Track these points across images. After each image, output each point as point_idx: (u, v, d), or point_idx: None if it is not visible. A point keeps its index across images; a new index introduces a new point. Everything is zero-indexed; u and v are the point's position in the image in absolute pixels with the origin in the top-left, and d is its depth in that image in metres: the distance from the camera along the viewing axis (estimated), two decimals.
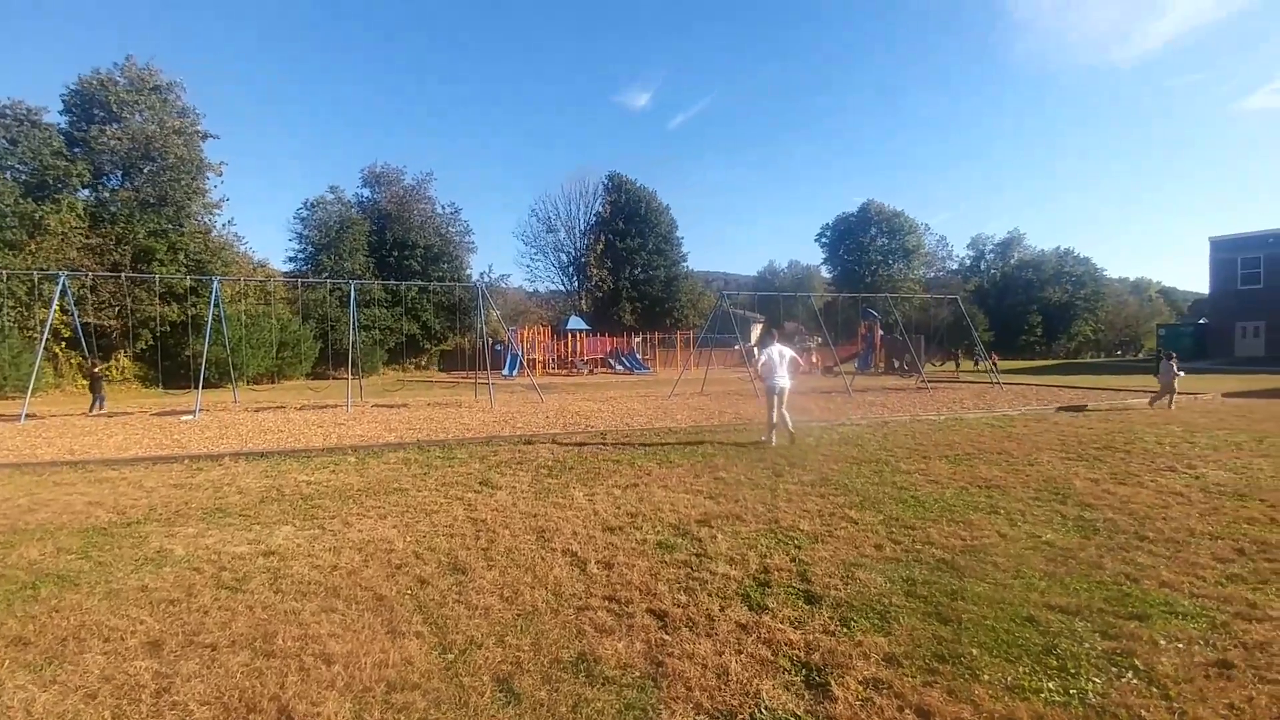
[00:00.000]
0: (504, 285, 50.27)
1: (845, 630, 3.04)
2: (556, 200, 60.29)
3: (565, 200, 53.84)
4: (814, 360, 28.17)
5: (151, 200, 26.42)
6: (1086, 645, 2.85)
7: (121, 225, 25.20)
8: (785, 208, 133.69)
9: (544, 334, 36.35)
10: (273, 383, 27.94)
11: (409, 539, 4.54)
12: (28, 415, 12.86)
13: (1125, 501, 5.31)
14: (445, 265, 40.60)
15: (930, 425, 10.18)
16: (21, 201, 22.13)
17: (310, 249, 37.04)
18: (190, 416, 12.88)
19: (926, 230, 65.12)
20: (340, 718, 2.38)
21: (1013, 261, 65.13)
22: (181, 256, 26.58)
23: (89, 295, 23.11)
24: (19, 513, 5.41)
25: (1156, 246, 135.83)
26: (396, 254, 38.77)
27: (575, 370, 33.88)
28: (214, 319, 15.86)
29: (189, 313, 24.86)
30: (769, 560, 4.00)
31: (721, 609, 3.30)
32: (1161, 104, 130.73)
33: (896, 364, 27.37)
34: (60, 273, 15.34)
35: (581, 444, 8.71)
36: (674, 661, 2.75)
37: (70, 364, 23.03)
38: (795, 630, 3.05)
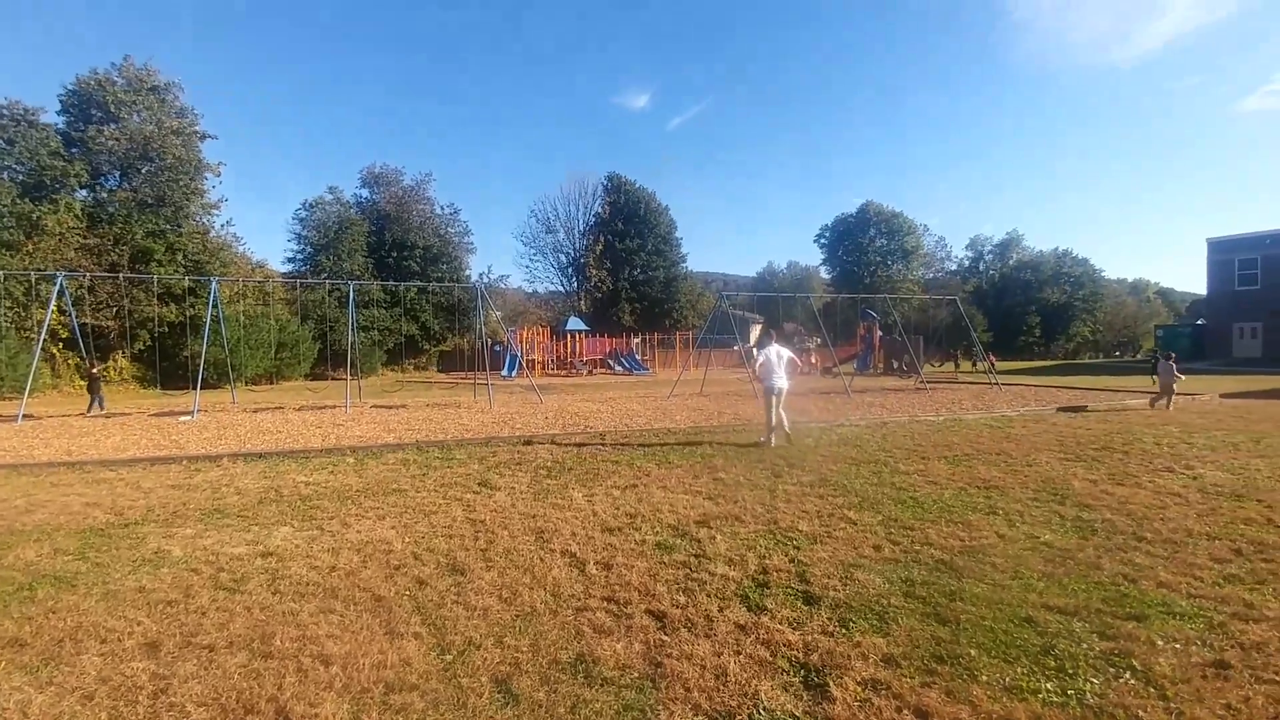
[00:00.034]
0: (503, 286, 50.29)
1: (844, 631, 3.04)
2: (555, 201, 60.32)
3: (564, 201, 53.92)
4: (813, 361, 28.19)
5: (149, 201, 26.38)
6: (1084, 646, 2.86)
7: (119, 226, 25.16)
8: (784, 208, 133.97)
9: (543, 335, 36.36)
10: (271, 383, 27.91)
11: (407, 540, 4.54)
12: (25, 416, 12.84)
13: (1123, 502, 5.32)
14: (444, 266, 40.58)
15: (929, 426, 10.20)
16: (19, 202, 22.09)
17: (309, 249, 37.00)
18: (188, 417, 12.87)
19: (925, 231, 65.26)
20: (338, 719, 2.37)
21: (1011, 262, 65.23)
22: (180, 257, 26.54)
23: (87, 296, 23.07)
24: (16, 514, 5.40)
25: (1154, 247, 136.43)
26: (395, 255, 38.74)
27: (574, 371, 33.88)
28: (212, 320, 15.84)
29: (187, 313, 24.82)
30: (768, 561, 4.00)
31: (720, 610, 3.30)
32: (1159, 105, 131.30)
33: (895, 365, 27.39)
34: (58, 273, 15.31)
35: (580, 445, 8.71)
36: (672, 662, 2.75)
37: (68, 365, 22.99)
38: (794, 631, 3.05)
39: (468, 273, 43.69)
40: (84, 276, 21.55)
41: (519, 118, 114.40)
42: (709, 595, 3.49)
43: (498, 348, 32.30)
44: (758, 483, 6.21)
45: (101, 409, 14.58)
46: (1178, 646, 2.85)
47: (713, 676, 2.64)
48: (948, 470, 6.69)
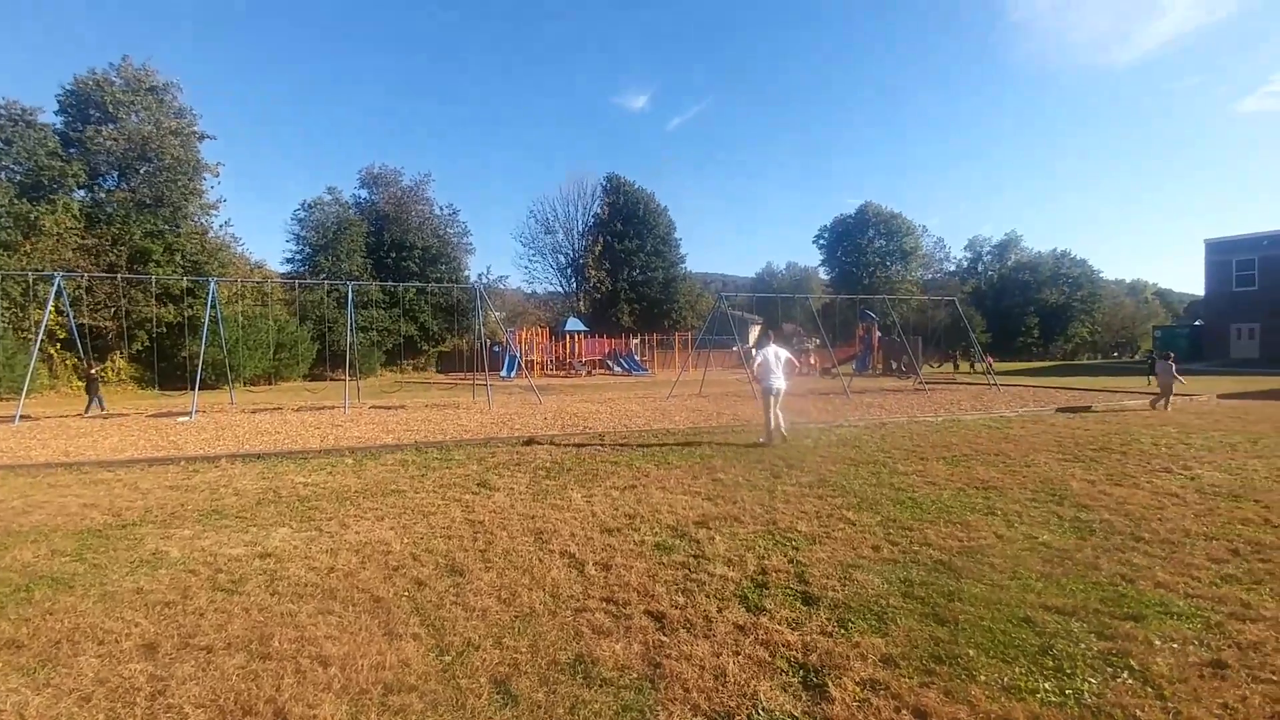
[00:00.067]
0: (502, 287, 50.21)
1: (842, 631, 3.04)
2: (555, 202, 60.27)
3: (563, 202, 53.83)
4: (812, 362, 28.21)
5: (148, 201, 26.34)
6: (1082, 646, 2.86)
7: (117, 226, 25.12)
8: (784, 209, 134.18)
9: (542, 335, 36.34)
10: (270, 384, 27.86)
11: (406, 541, 4.53)
12: (22, 417, 12.81)
13: (1121, 502, 5.33)
14: (443, 266, 40.53)
15: (928, 427, 10.21)
16: (16, 202, 22.04)
17: (307, 250, 36.94)
18: (186, 418, 12.84)
19: (924, 232, 65.36)
20: None
21: (1010, 263, 65.36)
22: (178, 257, 26.49)
23: (84, 296, 23.01)
24: (13, 515, 5.39)
25: (1153, 248, 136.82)
26: (394, 255, 38.69)
27: (573, 372, 33.86)
28: (211, 320, 15.81)
29: (185, 314, 24.76)
30: (767, 561, 4.00)
31: (719, 610, 3.30)
32: (1159, 105, 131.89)
33: (894, 365, 27.42)
34: (55, 274, 15.29)
35: (579, 445, 8.71)
36: (672, 663, 2.75)
37: (65, 365, 22.94)
38: (793, 631, 3.05)
39: (467, 273, 43.64)
40: (82, 277, 21.50)
41: (519, 118, 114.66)
42: (708, 596, 3.49)
43: (496, 348, 32.29)
44: (756, 483, 6.21)
45: (102, 409, 14.57)
46: (1175, 646, 2.85)
47: (712, 677, 2.64)
48: (946, 471, 6.69)
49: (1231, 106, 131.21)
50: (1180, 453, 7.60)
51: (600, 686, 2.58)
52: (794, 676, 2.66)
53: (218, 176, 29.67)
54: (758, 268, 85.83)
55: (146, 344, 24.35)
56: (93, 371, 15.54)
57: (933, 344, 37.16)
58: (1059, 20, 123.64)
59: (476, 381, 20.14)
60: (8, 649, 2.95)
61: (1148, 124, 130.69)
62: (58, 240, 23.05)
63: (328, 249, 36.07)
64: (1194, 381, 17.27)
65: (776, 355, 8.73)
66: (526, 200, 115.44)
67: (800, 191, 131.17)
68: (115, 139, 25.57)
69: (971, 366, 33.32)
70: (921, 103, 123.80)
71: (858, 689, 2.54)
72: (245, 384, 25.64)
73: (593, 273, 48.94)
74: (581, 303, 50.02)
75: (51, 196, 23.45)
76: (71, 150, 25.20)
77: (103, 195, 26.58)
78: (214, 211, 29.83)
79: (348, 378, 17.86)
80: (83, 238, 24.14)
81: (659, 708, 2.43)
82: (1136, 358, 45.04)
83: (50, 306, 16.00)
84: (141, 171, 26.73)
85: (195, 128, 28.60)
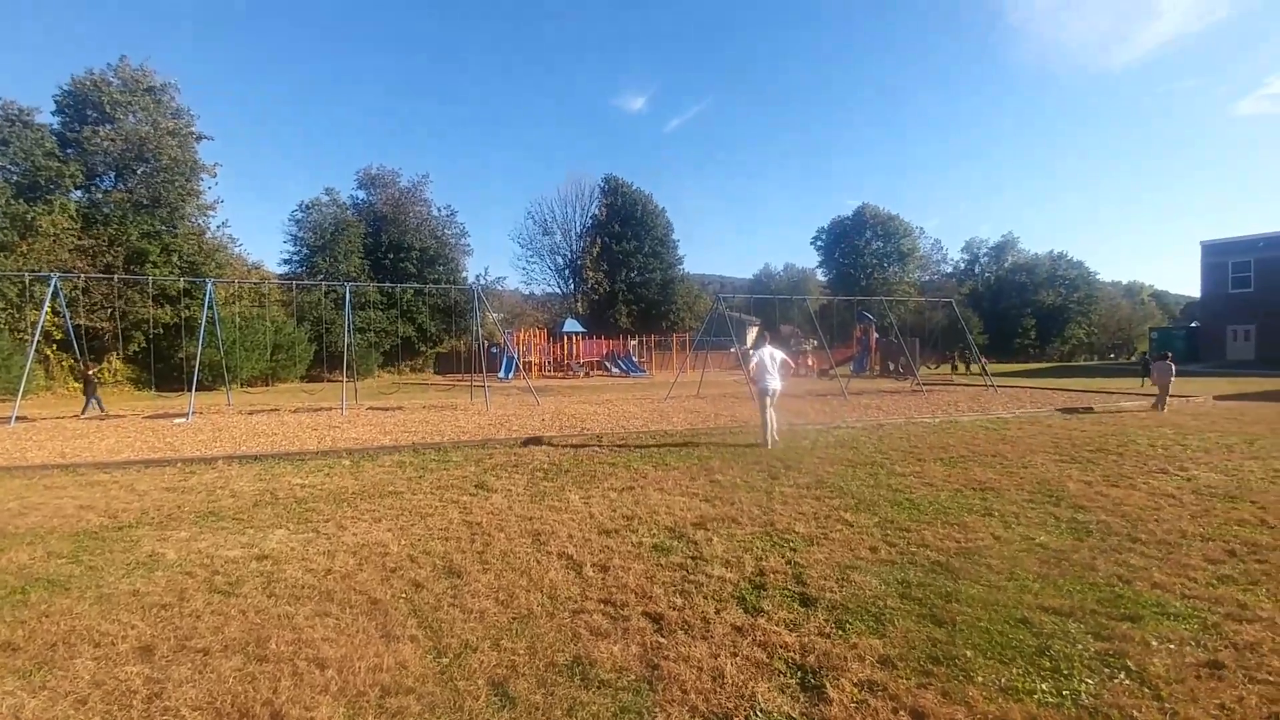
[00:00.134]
0: (500, 288, 50.19)
1: (840, 633, 3.04)
2: (552, 203, 60.40)
3: (561, 203, 53.84)
4: (810, 363, 28.24)
5: (145, 202, 26.26)
6: (1079, 646, 2.87)
7: (114, 227, 25.04)
8: (783, 209, 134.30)
9: (540, 336, 36.33)
10: (267, 385, 27.79)
11: (404, 542, 4.52)
12: (18, 418, 12.76)
13: (1118, 503, 5.35)
14: (441, 268, 40.48)
15: (925, 428, 10.22)
16: (13, 202, 21.96)
17: (305, 251, 36.86)
18: (183, 419, 12.80)
19: (921, 234, 65.49)
20: None
21: (1006, 265, 65.52)
22: (175, 258, 26.41)
23: (81, 297, 22.92)
24: (9, 516, 5.36)
25: (1150, 249, 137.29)
26: (392, 256, 38.64)
27: (571, 373, 33.84)
28: (208, 321, 15.77)
29: (182, 315, 24.68)
30: (764, 563, 4.01)
31: (717, 612, 3.30)
32: (1157, 106, 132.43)
33: (891, 367, 27.46)
34: (52, 274, 15.22)
35: (577, 447, 8.70)
36: (669, 664, 2.75)
37: (62, 367, 22.85)
38: (790, 633, 3.05)
39: (464, 274, 43.61)
40: (78, 278, 21.41)
41: (519, 118, 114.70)
42: (706, 597, 3.49)
43: (494, 349, 32.25)
44: (754, 485, 6.21)
45: (101, 410, 14.52)
46: (1172, 647, 2.86)
47: (710, 678, 2.64)
48: (944, 472, 6.70)
49: (1229, 108, 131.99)
50: (1177, 454, 7.63)
51: (598, 688, 2.58)
52: (792, 678, 2.66)
53: (215, 177, 29.59)
54: (756, 269, 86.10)
55: (143, 345, 24.27)
56: (90, 373, 15.49)
57: (930, 345, 37.21)
58: (1058, 21, 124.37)
59: (474, 383, 20.12)
60: (3, 651, 2.93)
61: (1145, 125, 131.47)
62: (54, 241, 22.97)
63: (325, 250, 36.00)
64: (1190, 383, 17.34)
65: (772, 356, 8.75)
66: (525, 201, 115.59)
67: (799, 192, 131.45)
68: (112, 139, 25.50)
69: (967, 368, 33.39)
70: (921, 103, 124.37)
71: (855, 690, 2.54)
72: (242, 385, 25.56)
73: (590, 274, 48.91)
74: (579, 304, 49.99)
75: (48, 197, 23.38)
76: (68, 151, 25.13)
77: (100, 196, 26.49)
78: (211, 212, 29.75)
79: (345, 379, 17.82)
80: (79, 238, 24.06)
81: (657, 709, 2.43)
82: (1133, 359, 45.16)
83: (47, 307, 15.93)
84: (139, 172, 26.66)
85: (193, 128, 28.54)
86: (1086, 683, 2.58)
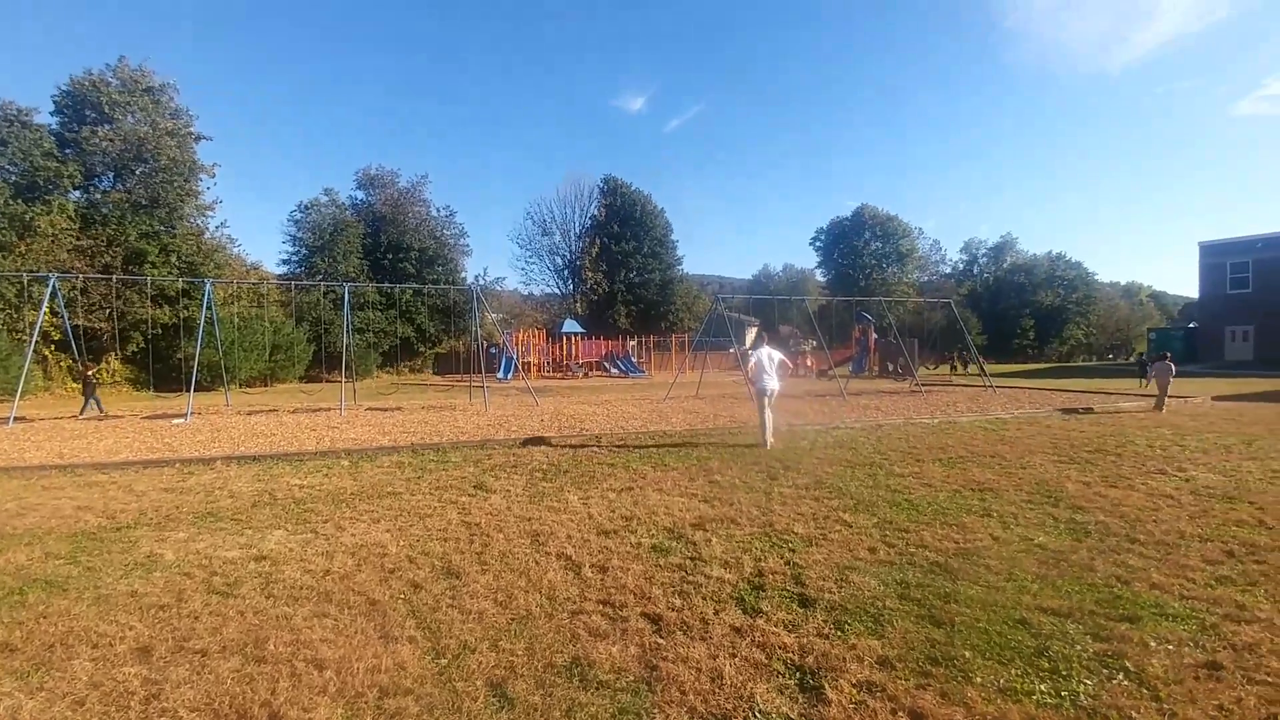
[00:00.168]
0: (499, 288, 50.18)
1: (839, 633, 3.04)
2: (552, 204, 60.39)
3: (560, 204, 53.91)
4: (809, 364, 28.24)
5: (143, 202, 26.24)
6: (1078, 647, 2.87)
7: (113, 227, 25.01)
8: (783, 210, 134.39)
9: (539, 337, 36.32)
10: (265, 386, 27.77)
11: (402, 543, 4.52)
12: (17, 418, 12.74)
13: (1116, 504, 5.35)
14: (440, 268, 40.48)
15: (924, 428, 10.23)
16: (11, 203, 21.93)
17: (304, 251, 36.85)
18: (181, 420, 12.79)
19: (920, 234, 65.59)
20: None
21: (1005, 265, 65.61)
22: (174, 259, 26.38)
23: (79, 297, 22.89)
24: (6, 517, 5.36)
25: (1149, 250, 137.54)
26: (391, 257, 38.63)
27: (570, 373, 33.84)
28: (206, 321, 15.75)
29: (181, 315, 24.64)
30: (763, 564, 4.01)
31: (716, 612, 3.30)
32: (1155, 107, 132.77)
33: (890, 367, 27.48)
34: (50, 275, 15.21)
35: (576, 447, 8.70)
36: (668, 665, 2.75)
37: (60, 367, 22.82)
38: (789, 634, 3.05)
39: (464, 275, 43.61)
40: (77, 278, 21.38)
41: (519, 118, 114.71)
42: (704, 598, 3.49)
43: (493, 350, 32.23)
44: (753, 485, 6.21)
45: (100, 411, 14.50)
46: (1170, 648, 2.87)
47: (708, 679, 2.64)
48: (942, 473, 6.71)
49: (1228, 109, 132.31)
50: (1175, 455, 7.64)
51: (597, 689, 2.58)
52: (790, 679, 2.66)
53: (214, 177, 29.58)
54: (755, 269, 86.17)
55: (142, 345, 24.24)
56: (88, 373, 15.47)
57: (929, 346, 37.25)
58: (1058, 22, 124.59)
59: (473, 383, 20.10)
60: (1, 653, 2.93)
61: (1145, 126, 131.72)
62: (53, 241, 22.94)
63: (324, 250, 35.99)
64: (1189, 383, 17.36)
65: (770, 356, 8.76)
66: (525, 201, 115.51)
67: (799, 192, 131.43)
68: (111, 140, 25.48)
69: (965, 368, 33.42)
70: (921, 103, 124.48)
71: (854, 691, 2.54)
72: (241, 386, 25.54)
73: (590, 274, 48.93)
74: (578, 304, 50.01)
75: (47, 197, 23.35)
76: (67, 151, 25.10)
77: (98, 196, 26.46)
78: (210, 212, 29.73)
79: (344, 379, 17.79)
80: (78, 239, 24.03)
81: (656, 710, 2.43)
82: (1131, 360, 45.25)
83: (45, 308, 15.89)
84: (137, 172, 26.63)
85: (192, 128, 28.52)
86: (1085, 683, 2.58)
